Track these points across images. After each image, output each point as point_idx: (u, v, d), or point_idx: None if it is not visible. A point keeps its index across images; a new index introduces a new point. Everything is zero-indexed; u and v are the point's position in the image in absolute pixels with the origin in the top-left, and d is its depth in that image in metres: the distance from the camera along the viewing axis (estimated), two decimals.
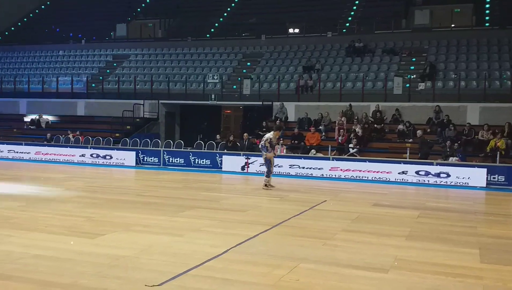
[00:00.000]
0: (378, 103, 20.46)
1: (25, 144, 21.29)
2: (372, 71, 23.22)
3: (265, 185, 12.83)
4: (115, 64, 28.62)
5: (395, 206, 11.00)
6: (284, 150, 18.81)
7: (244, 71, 25.59)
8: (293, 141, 19.51)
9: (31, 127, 24.39)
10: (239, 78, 24.24)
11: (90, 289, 4.73)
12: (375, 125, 19.66)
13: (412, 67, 23.05)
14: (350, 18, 28.27)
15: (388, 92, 21.07)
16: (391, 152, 18.11)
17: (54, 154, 20.42)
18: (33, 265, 5.47)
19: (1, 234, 6.86)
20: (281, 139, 19.18)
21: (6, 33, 35.33)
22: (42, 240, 6.65)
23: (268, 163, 12.88)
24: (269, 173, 12.91)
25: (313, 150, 18.51)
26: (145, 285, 4.86)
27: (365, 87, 21.74)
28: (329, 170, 16.76)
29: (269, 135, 13.03)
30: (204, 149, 19.84)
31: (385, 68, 23.13)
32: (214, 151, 19.47)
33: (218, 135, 21.34)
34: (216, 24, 30.93)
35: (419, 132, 17.53)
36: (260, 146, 13.19)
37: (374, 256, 6.28)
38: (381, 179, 16.10)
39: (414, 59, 23.61)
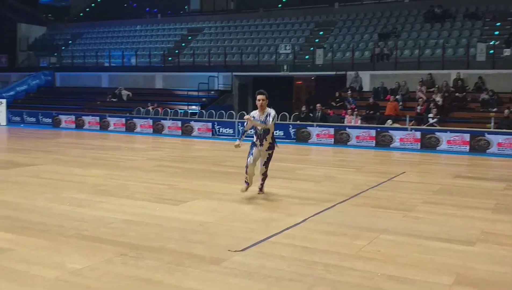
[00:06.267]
0: (459, 70, 19.49)
1: (109, 116, 22.40)
2: (452, 37, 22.02)
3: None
4: (189, 38, 29.14)
5: (479, 178, 10.53)
6: (359, 121, 18.48)
7: (317, 40, 25.17)
8: (368, 112, 19.09)
9: (113, 100, 25.56)
10: (312, 48, 23.88)
11: (177, 253, 4.95)
12: (456, 94, 18.77)
13: (496, 32, 21.57)
14: None
15: (470, 59, 19.95)
16: (473, 122, 17.26)
17: (136, 125, 21.40)
18: (123, 229, 5.79)
19: (93, 200, 7.32)
20: (356, 109, 18.84)
21: (87, 9, 36.91)
22: (130, 206, 7.01)
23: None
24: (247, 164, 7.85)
25: (389, 121, 18.03)
26: (228, 250, 5.01)
27: (445, 54, 20.70)
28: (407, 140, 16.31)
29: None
30: (277, 121, 19.86)
31: (467, 34, 21.86)
32: (287, 122, 19.48)
33: (303, 107, 20.62)
34: None
35: (506, 111, 16.40)
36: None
37: (458, 228, 6.09)
38: (462, 150, 15.45)
39: (498, 24, 22.06)
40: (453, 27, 22.66)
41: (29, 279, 4.21)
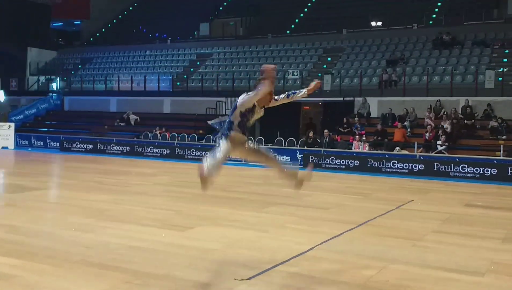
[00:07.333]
0: (467, 98, 19.48)
1: (116, 140, 22.50)
2: (461, 64, 22.10)
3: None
4: (198, 63, 29.44)
5: (490, 207, 10.41)
6: (367, 147, 18.44)
7: (325, 66, 25.34)
8: (376, 138, 19.07)
9: (121, 124, 25.72)
10: (320, 74, 24.02)
11: (183, 281, 4.89)
12: (465, 121, 18.74)
13: (505, 60, 21.63)
14: (437, 9, 27.06)
15: (479, 86, 19.96)
16: (482, 149, 17.17)
17: (143, 150, 21.45)
18: (129, 255, 5.73)
19: (99, 226, 7.28)
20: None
21: (98, 34, 37.46)
22: (136, 231, 6.97)
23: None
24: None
25: (397, 147, 17.98)
26: (234, 279, 4.95)
27: (454, 81, 20.74)
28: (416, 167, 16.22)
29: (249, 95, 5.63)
30: (284, 146, 19.90)
31: (475, 61, 21.93)
32: (294, 147, 19.48)
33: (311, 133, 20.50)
34: (297, 20, 30.85)
35: None
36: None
37: (468, 258, 5.99)
38: (472, 178, 15.32)
39: (507, 51, 22.13)
40: (461, 54, 22.76)
41: None
